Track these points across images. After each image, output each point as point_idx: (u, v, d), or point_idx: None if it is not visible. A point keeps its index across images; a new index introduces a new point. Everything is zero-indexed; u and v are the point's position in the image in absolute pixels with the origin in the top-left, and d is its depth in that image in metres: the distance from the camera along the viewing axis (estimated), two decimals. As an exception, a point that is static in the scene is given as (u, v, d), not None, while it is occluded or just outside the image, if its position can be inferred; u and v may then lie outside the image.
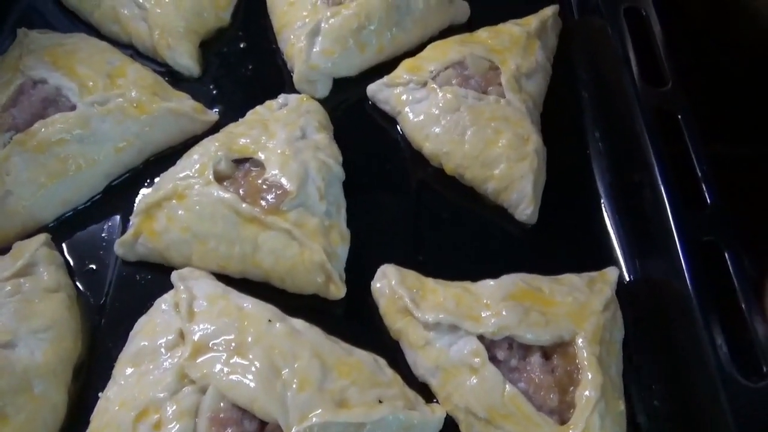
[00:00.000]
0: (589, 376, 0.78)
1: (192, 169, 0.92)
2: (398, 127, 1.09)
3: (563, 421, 0.77)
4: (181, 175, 0.92)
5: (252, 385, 0.73)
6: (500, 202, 1.01)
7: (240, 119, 1.04)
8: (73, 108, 0.97)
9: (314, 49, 1.09)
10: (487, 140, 1.01)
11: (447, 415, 0.80)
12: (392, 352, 0.87)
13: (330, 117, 1.07)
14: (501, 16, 1.19)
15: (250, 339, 0.77)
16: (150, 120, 1.00)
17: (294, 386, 0.74)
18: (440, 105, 1.04)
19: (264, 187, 0.91)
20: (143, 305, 0.87)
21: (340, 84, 1.13)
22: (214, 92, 1.13)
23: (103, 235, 0.97)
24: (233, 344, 0.77)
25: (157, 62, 1.14)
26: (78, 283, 0.92)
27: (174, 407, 0.73)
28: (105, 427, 0.74)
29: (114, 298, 0.91)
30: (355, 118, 1.11)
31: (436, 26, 1.20)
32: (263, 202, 0.89)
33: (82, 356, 0.85)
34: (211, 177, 0.90)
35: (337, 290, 0.89)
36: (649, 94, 1.01)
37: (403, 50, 1.16)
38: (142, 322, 0.84)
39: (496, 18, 1.18)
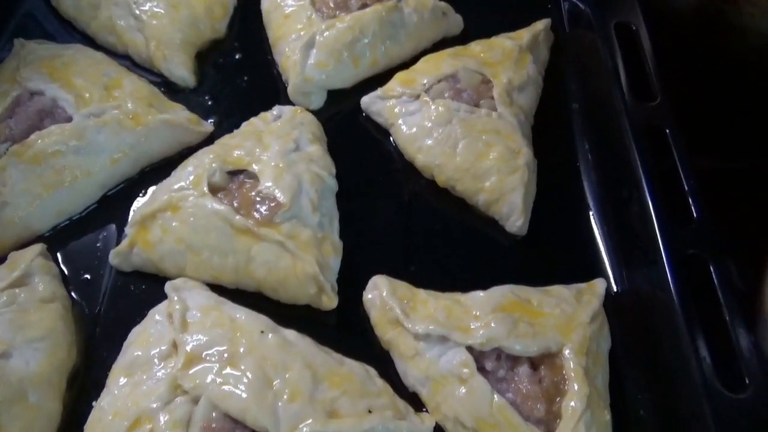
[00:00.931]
0: (576, 387, 0.79)
1: (187, 180, 0.93)
2: (391, 139, 1.11)
3: (550, 431, 0.78)
4: (175, 187, 0.93)
5: (244, 395, 0.74)
6: (491, 213, 1.02)
7: (235, 131, 1.05)
8: (69, 120, 0.98)
9: (309, 62, 1.11)
10: (478, 153, 1.02)
11: (436, 424, 0.81)
12: (383, 363, 0.88)
13: (324, 128, 1.09)
14: (493, 30, 1.20)
15: (242, 350, 0.78)
16: (146, 131, 1.01)
17: (285, 397, 0.75)
18: (433, 118, 1.05)
19: (258, 199, 0.92)
20: (137, 315, 0.88)
21: (334, 96, 1.15)
22: (210, 103, 1.14)
23: (98, 245, 0.98)
24: (226, 355, 0.78)
25: (153, 73, 1.15)
26: (73, 293, 0.93)
27: (167, 417, 0.74)
28: (98, 437, 0.76)
29: (108, 307, 0.92)
30: (349, 130, 1.13)
31: (430, 39, 1.21)
32: (257, 214, 0.91)
33: (76, 366, 0.86)
34: (205, 189, 0.91)
35: (329, 301, 0.90)
36: (637, 108, 1.02)
37: (397, 63, 1.18)
38: (135, 332, 0.85)
39: (488, 31, 1.20)
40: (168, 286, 0.87)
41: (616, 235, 1.01)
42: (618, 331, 0.92)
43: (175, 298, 0.84)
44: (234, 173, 0.96)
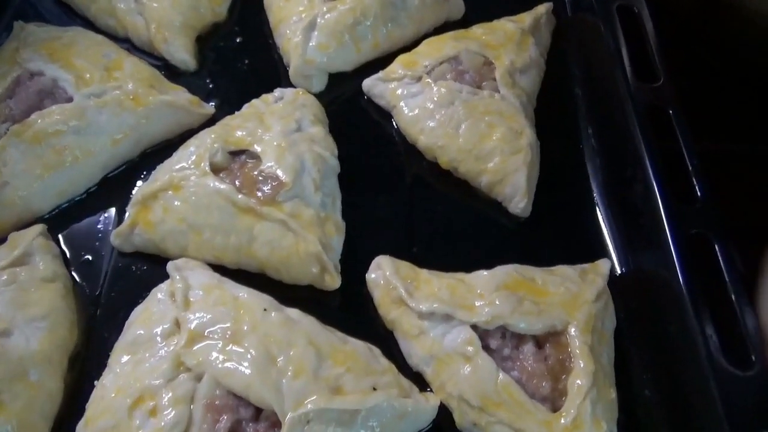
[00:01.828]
0: (581, 365, 0.79)
1: (188, 160, 0.93)
2: (393, 122, 1.10)
3: (555, 409, 0.78)
4: (177, 167, 0.93)
5: (247, 372, 0.73)
6: (494, 195, 1.02)
7: (236, 112, 1.04)
8: (69, 100, 0.97)
9: (310, 44, 1.10)
10: (481, 134, 1.02)
11: (441, 403, 0.81)
12: (387, 342, 0.87)
13: (326, 112, 1.08)
14: (495, 13, 1.20)
15: (245, 327, 0.78)
16: (146, 112, 1.01)
17: (289, 373, 0.74)
18: (435, 99, 1.05)
19: (260, 178, 0.91)
20: (139, 295, 0.87)
21: (335, 79, 1.14)
22: (211, 86, 1.14)
23: (99, 226, 0.97)
24: (229, 332, 0.77)
25: (154, 56, 1.15)
26: (74, 274, 0.92)
27: (170, 394, 0.73)
28: (101, 415, 0.75)
29: (110, 288, 0.91)
30: (351, 113, 1.12)
31: (431, 23, 1.21)
32: (259, 193, 0.90)
33: (78, 346, 0.85)
34: (207, 168, 0.91)
35: (333, 281, 0.90)
36: (640, 90, 1.02)
37: (399, 46, 1.18)
38: (138, 312, 0.84)
39: (490, 15, 1.20)
40: (170, 266, 0.87)
41: (620, 216, 1.01)
42: (623, 312, 0.92)
43: (177, 277, 0.84)
44: (236, 153, 0.95)
